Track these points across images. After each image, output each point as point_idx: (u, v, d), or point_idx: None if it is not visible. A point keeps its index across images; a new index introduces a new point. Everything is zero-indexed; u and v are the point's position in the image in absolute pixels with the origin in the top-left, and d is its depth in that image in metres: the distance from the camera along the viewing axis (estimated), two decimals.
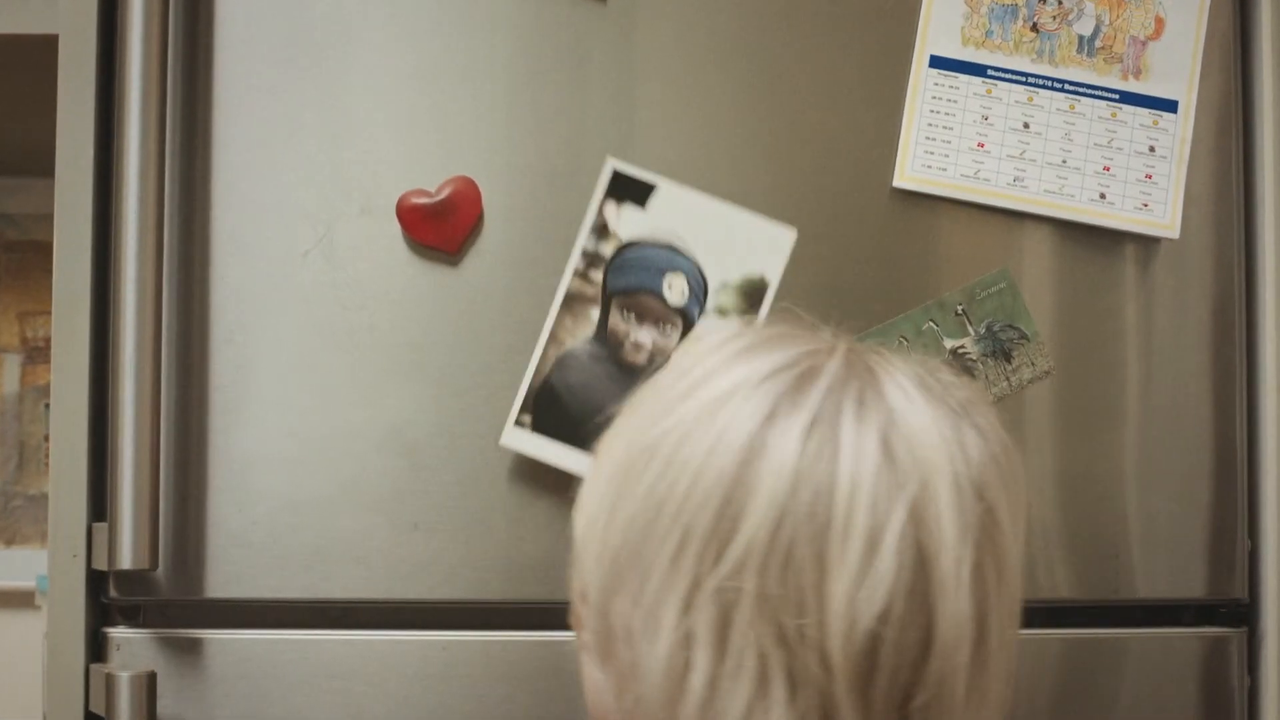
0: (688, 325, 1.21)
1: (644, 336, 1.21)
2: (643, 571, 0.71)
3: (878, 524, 0.67)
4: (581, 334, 1.22)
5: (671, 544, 0.70)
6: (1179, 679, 1.26)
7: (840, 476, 0.68)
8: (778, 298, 1.22)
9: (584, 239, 1.21)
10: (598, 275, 1.22)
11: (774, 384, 0.71)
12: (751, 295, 1.22)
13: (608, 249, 1.22)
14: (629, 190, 1.22)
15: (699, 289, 1.22)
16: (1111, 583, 1.26)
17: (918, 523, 0.68)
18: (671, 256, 1.22)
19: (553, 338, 1.21)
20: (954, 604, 0.68)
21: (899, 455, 0.69)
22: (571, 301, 1.21)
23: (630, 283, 1.22)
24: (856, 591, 0.67)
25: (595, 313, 1.22)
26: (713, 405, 0.71)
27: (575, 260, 1.22)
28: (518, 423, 1.20)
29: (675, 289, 1.21)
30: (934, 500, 0.69)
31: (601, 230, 1.22)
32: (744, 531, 0.68)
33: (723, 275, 1.22)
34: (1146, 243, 1.27)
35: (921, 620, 0.68)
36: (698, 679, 0.69)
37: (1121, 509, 1.26)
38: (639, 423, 0.75)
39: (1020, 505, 0.74)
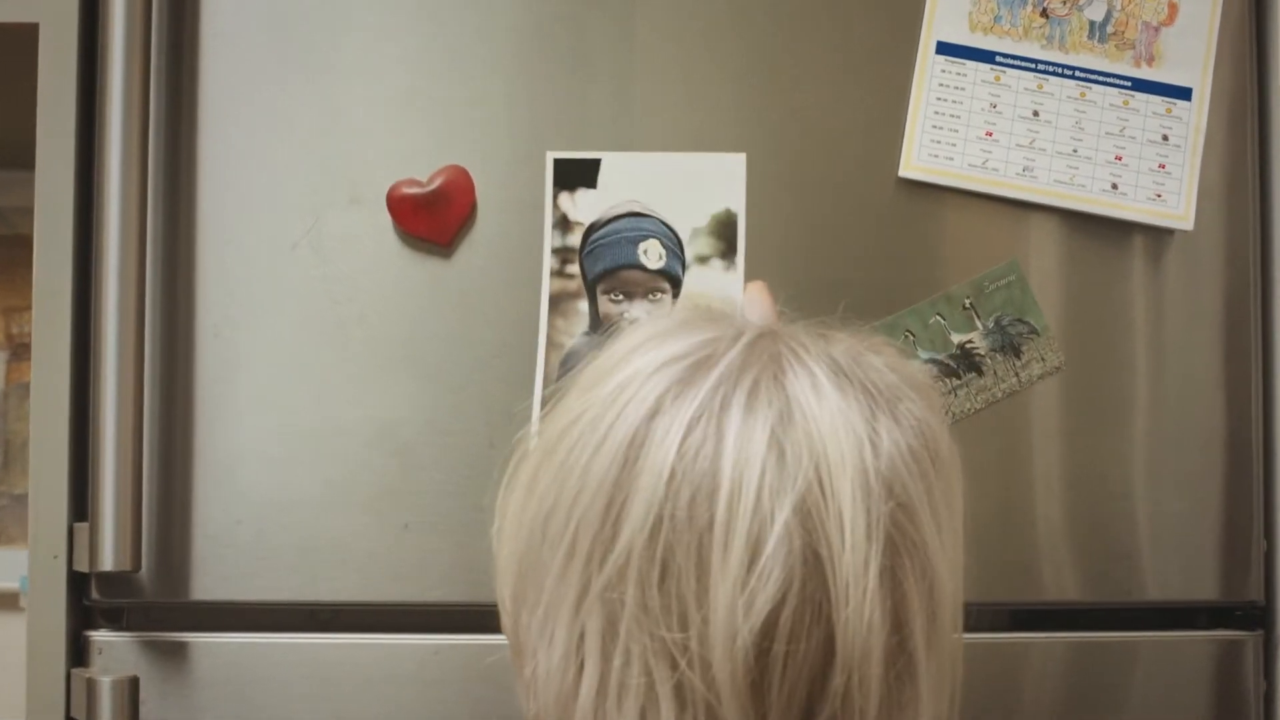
0: (675, 285, 1.21)
1: (637, 311, 1.20)
2: (540, 576, 0.69)
3: (761, 526, 0.63)
4: (577, 331, 1.20)
5: (564, 547, 0.67)
6: (1192, 684, 1.25)
7: (722, 475, 0.64)
8: (750, 225, 1.21)
9: (549, 237, 1.21)
10: (574, 268, 1.21)
11: (664, 375, 0.68)
12: (725, 232, 1.21)
13: (575, 239, 1.21)
14: (576, 174, 1.21)
15: (674, 245, 1.21)
16: (1123, 585, 1.24)
17: (808, 523, 0.64)
18: (638, 223, 1.21)
19: (551, 344, 1.20)
20: (858, 611, 0.64)
21: (790, 449, 0.65)
22: (557, 302, 1.20)
23: (606, 264, 1.21)
24: (737, 601, 0.63)
25: (584, 305, 1.21)
26: (607, 399, 0.68)
27: (548, 261, 1.21)
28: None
29: (651, 254, 1.20)
30: (832, 497, 0.64)
31: (563, 223, 1.21)
32: (623, 536, 0.65)
33: (691, 223, 1.21)
34: (1158, 235, 1.26)
35: (819, 631, 0.64)
36: (586, 694, 0.66)
37: (1131, 509, 1.25)
38: (549, 422, 0.72)
39: (950, 501, 0.69)
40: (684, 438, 0.65)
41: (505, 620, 0.73)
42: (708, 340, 0.69)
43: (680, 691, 0.64)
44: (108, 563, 1.14)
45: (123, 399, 1.15)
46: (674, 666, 0.64)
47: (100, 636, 1.21)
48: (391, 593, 1.20)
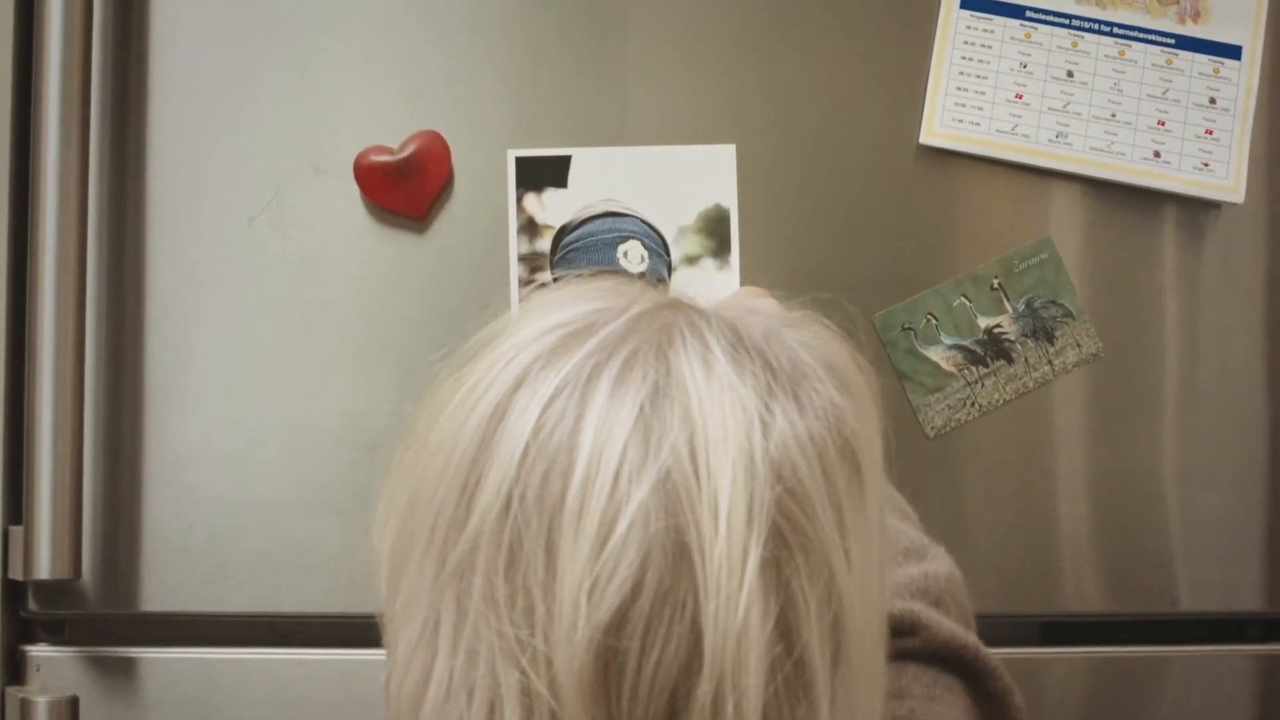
0: None
1: None
2: (405, 563, 0.66)
3: (616, 509, 0.58)
4: None
5: (425, 530, 0.64)
6: (1233, 704, 1.22)
7: (579, 452, 0.60)
8: (743, 220, 1.19)
9: (514, 244, 1.19)
10: (544, 276, 1.19)
11: (538, 345, 0.65)
12: (717, 229, 1.18)
13: (544, 244, 1.19)
14: (543, 173, 1.18)
15: (658, 246, 1.18)
16: (1157, 594, 1.21)
17: (672, 505, 0.58)
18: (616, 224, 1.18)
19: None
20: (730, 604, 0.57)
21: (658, 426, 0.60)
22: None
23: (582, 271, 1.19)
24: (582, 591, 0.58)
25: None
26: (483, 371, 0.66)
27: (514, 270, 1.19)
28: None
29: (632, 256, 1.18)
30: (707, 479, 0.59)
31: (530, 227, 1.19)
32: (474, 519, 0.62)
33: (678, 220, 1.19)
34: (1196, 209, 1.23)
35: (681, 629, 0.57)
36: (434, 694, 0.62)
37: (1166, 510, 1.22)
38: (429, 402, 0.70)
39: (860, 499, 0.64)
40: (543, 411, 0.62)
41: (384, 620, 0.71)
42: (596, 309, 0.66)
43: (526, 696, 0.59)
44: (45, 570, 1.12)
45: (60, 388, 1.13)
46: (519, 669, 0.59)
47: (38, 651, 1.19)
48: (358, 603, 1.15)
